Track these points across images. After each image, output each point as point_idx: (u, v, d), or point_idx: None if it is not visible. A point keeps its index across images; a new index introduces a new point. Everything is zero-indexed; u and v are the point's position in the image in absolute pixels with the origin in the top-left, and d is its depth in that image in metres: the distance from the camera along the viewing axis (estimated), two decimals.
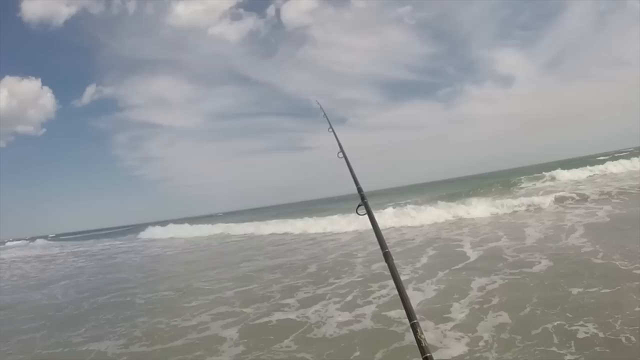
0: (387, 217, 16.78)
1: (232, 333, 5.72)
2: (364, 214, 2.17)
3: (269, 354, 4.80)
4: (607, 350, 3.67)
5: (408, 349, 4.31)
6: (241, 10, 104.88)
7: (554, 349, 3.86)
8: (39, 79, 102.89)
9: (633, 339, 3.77)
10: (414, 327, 1.57)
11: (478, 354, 4.01)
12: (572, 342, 3.91)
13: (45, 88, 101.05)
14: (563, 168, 27.58)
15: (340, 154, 3.09)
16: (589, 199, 14.09)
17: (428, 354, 1.50)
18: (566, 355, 3.70)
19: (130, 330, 6.52)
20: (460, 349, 4.19)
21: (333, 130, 3.76)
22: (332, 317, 5.79)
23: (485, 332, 4.48)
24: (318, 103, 4.76)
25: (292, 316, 6.13)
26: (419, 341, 1.54)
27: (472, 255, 8.56)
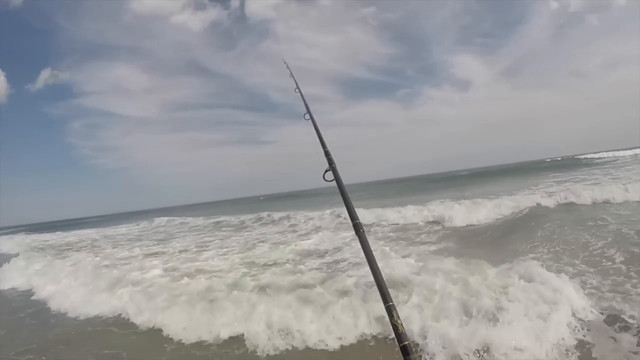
0: None
1: None
2: (331, 180, 1.90)
3: None
4: None
5: None
6: (205, 0, 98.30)
7: None
8: None
9: None
10: (390, 311, 1.34)
11: None
12: None
13: None
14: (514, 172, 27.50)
15: (307, 116, 2.78)
16: None
17: (406, 342, 1.28)
18: None
19: None
20: None
21: (300, 91, 3.43)
22: None
23: None
24: (284, 62, 4.36)
25: None
26: (394, 326, 1.31)
27: None
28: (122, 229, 26.29)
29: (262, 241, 11.24)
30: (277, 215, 17.38)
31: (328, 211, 14.33)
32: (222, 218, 21.24)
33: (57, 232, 30.92)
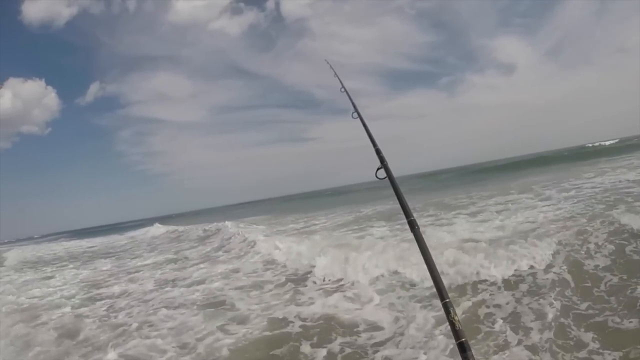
0: None
1: None
2: (384, 178, 1.92)
3: None
4: None
5: None
6: (242, 5, 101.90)
7: None
8: (43, 80, 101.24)
9: None
10: (446, 307, 1.35)
11: None
12: None
13: (49, 88, 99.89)
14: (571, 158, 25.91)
15: (355, 115, 2.80)
16: None
17: (463, 339, 1.28)
18: None
19: None
20: None
21: (346, 91, 3.46)
22: None
23: None
24: (327, 62, 4.41)
25: None
26: (452, 323, 1.32)
27: None
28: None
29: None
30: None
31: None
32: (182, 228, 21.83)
33: (96, 238, 32.24)
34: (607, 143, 41.10)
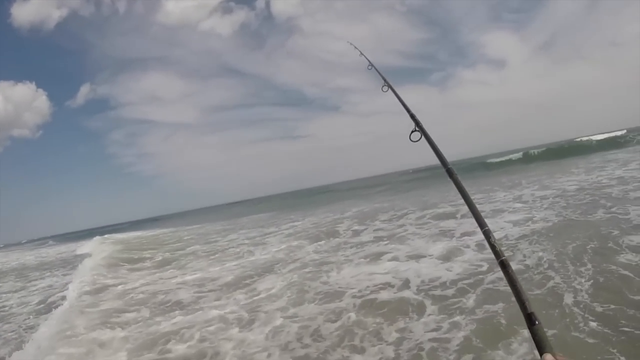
0: None
1: None
2: (418, 140, 2.15)
3: None
4: None
5: None
6: (232, 4, 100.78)
7: None
8: (33, 82, 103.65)
9: None
10: (487, 234, 1.60)
11: None
12: None
13: (40, 91, 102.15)
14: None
15: (385, 87, 3.03)
16: None
17: (503, 257, 1.53)
18: None
19: None
20: None
21: (374, 67, 3.69)
22: None
23: None
24: (351, 43, 4.62)
25: None
26: (492, 246, 1.57)
27: None
28: None
29: None
30: None
31: None
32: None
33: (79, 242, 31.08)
34: (599, 137, 38.81)
